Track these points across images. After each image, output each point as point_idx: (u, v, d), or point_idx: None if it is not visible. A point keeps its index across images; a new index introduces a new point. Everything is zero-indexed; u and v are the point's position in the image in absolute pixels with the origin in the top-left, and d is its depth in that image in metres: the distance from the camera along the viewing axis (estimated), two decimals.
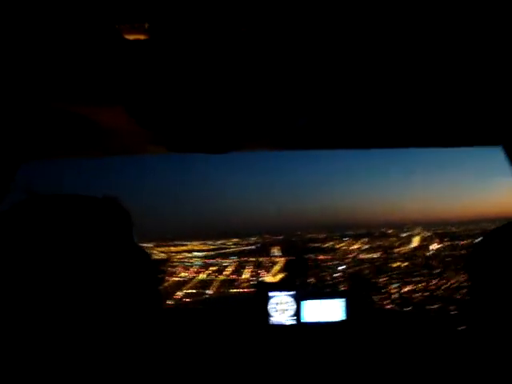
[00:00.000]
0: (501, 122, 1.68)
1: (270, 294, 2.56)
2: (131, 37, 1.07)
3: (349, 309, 2.51)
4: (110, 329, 0.60)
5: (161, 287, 0.75)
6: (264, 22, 1.04)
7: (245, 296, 2.94)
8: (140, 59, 1.17)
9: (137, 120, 1.41)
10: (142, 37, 1.08)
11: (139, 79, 1.26)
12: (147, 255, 0.72)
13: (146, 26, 1.05)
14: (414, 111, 1.57)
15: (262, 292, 2.57)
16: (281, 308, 2.56)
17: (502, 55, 1.18)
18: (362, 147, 2.05)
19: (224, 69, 1.22)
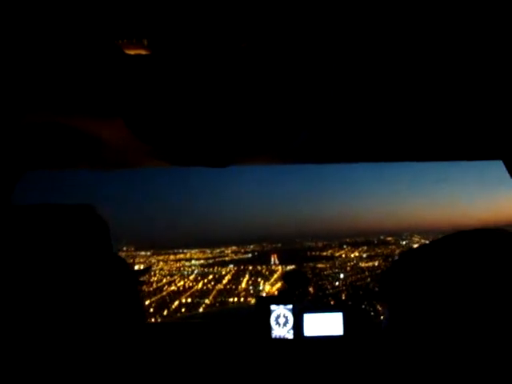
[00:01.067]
0: (500, 137, 1.69)
1: (272, 307, 2.54)
2: (132, 52, 1.07)
3: (346, 323, 2.50)
4: (87, 340, 0.59)
5: (140, 298, 0.74)
6: (264, 38, 1.04)
7: (245, 310, 2.93)
8: (140, 73, 1.16)
9: (136, 134, 1.41)
10: (142, 52, 1.08)
11: (139, 93, 1.25)
12: (126, 265, 0.71)
13: (146, 40, 1.05)
14: (415, 126, 1.57)
15: (263, 306, 2.55)
16: (281, 321, 2.54)
17: (502, 70, 1.18)
18: (362, 161, 2.05)
19: (224, 83, 1.22)
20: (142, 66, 1.13)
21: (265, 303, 2.55)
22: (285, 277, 2.77)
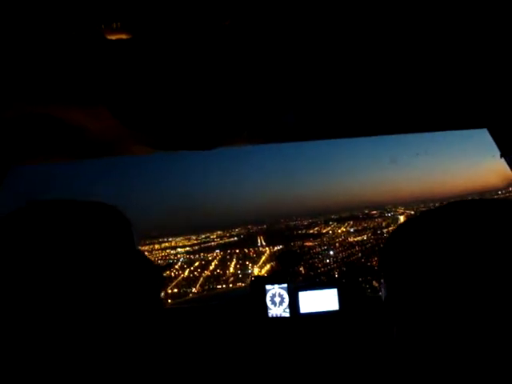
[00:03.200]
0: (485, 105, 1.73)
1: (267, 287, 2.62)
2: (113, 37, 1.09)
3: (341, 298, 2.58)
4: (113, 334, 0.63)
5: (162, 292, 0.79)
6: (246, 16, 1.06)
7: (240, 292, 3.01)
8: (122, 59, 1.18)
9: (121, 121, 1.43)
10: (123, 36, 1.09)
11: (121, 80, 1.27)
12: (150, 262, 0.75)
13: (127, 25, 1.06)
14: (400, 98, 1.58)
15: (259, 286, 2.62)
16: (277, 301, 2.62)
17: (486, 40, 1.20)
18: (348, 136, 2.08)
19: (206, 65, 1.24)
20: (123, 53, 1.14)
21: (260, 283, 2.62)
22: (279, 257, 2.84)
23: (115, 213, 0.72)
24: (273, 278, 2.65)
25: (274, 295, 2.60)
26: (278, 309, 2.60)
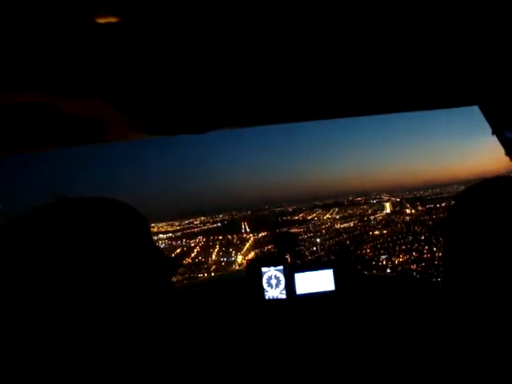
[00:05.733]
0: (477, 81, 1.74)
1: (263, 269, 2.69)
2: (102, 20, 1.10)
3: (336, 279, 2.65)
4: (124, 325, 0.68)
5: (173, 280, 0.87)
6: None
7: (237, 275, 3.09)
8: (114, 45, 1.19)
9: (116, 107, 1.46)
10: (113, 20, 1.11)
11: (115, 66, 1.29)
12: (162, 253, 0.84)
13: (118, 7, 1.08)
14: (389, 76, 1.57)
15: (254, 269, 2.69)
16: (274, 283, 2.69)
17: (477, 16, 1.21)
18: (338, 116, 2.09)
19: (196, 47, 1.25)
20: (115, 38, 1.16)
21: (255, 266, 2.69)
22: (274, 239, 2.90)
23: (133, 209, 0.80)
24: (268, 260, 2.71)
25: (270, 277, 2.67)
26: (274, 291, 2.67)
